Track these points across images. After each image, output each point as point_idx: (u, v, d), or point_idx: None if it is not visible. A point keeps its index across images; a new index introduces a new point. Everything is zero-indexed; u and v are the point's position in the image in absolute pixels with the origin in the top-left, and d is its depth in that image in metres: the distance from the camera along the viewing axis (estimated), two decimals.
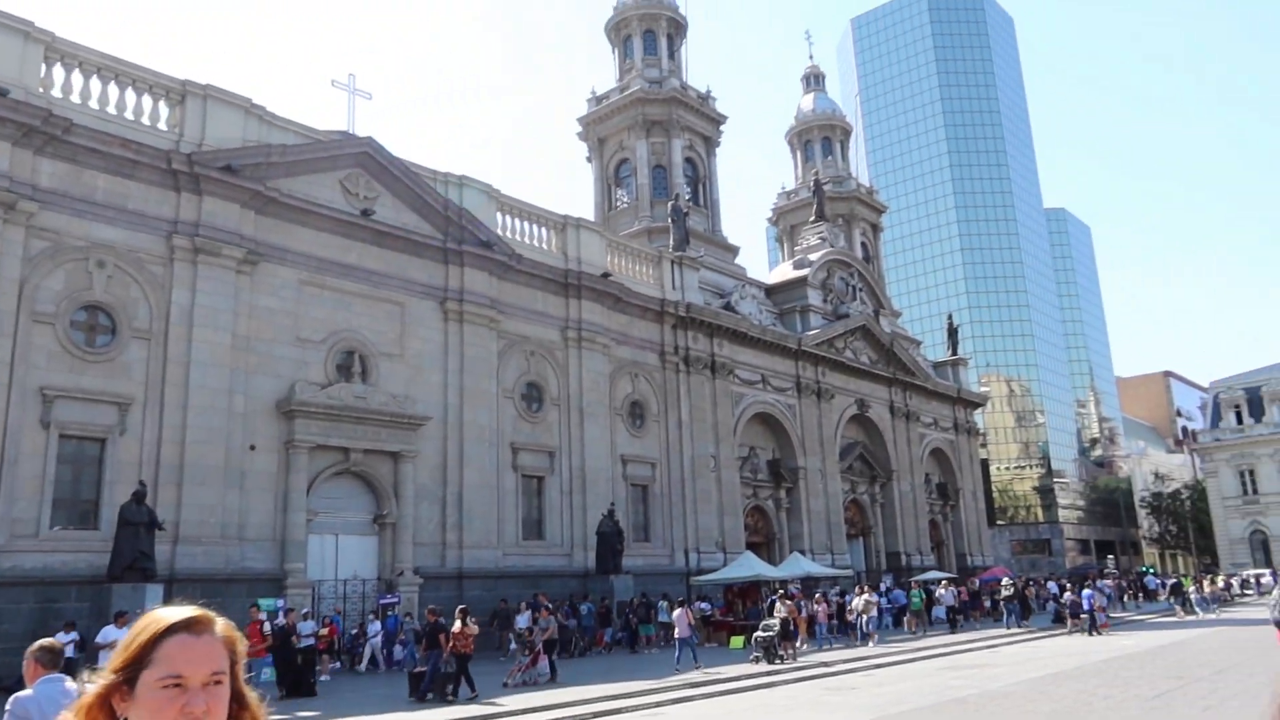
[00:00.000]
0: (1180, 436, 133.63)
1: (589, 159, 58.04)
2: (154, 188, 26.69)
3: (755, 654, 24.13)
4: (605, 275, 39.53)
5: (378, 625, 27.29)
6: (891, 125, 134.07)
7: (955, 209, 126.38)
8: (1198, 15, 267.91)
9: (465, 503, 32.30)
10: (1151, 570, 73.32)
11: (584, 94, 59.69)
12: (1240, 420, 79.47)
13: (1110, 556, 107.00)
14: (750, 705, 17.35)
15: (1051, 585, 48.19)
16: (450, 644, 19.50)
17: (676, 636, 25.20)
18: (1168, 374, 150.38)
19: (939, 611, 40.73)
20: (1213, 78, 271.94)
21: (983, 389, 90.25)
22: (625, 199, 56.16)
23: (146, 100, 27.55)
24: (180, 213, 26.99)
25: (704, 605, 35.79)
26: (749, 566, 37.41)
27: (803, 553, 44.74)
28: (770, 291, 54.93)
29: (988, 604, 46.86)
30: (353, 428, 29.45)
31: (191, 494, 25.57)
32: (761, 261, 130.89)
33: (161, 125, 27.67)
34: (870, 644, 30.14)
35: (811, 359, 51.45)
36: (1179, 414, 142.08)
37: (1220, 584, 55.08)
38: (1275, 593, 13.17)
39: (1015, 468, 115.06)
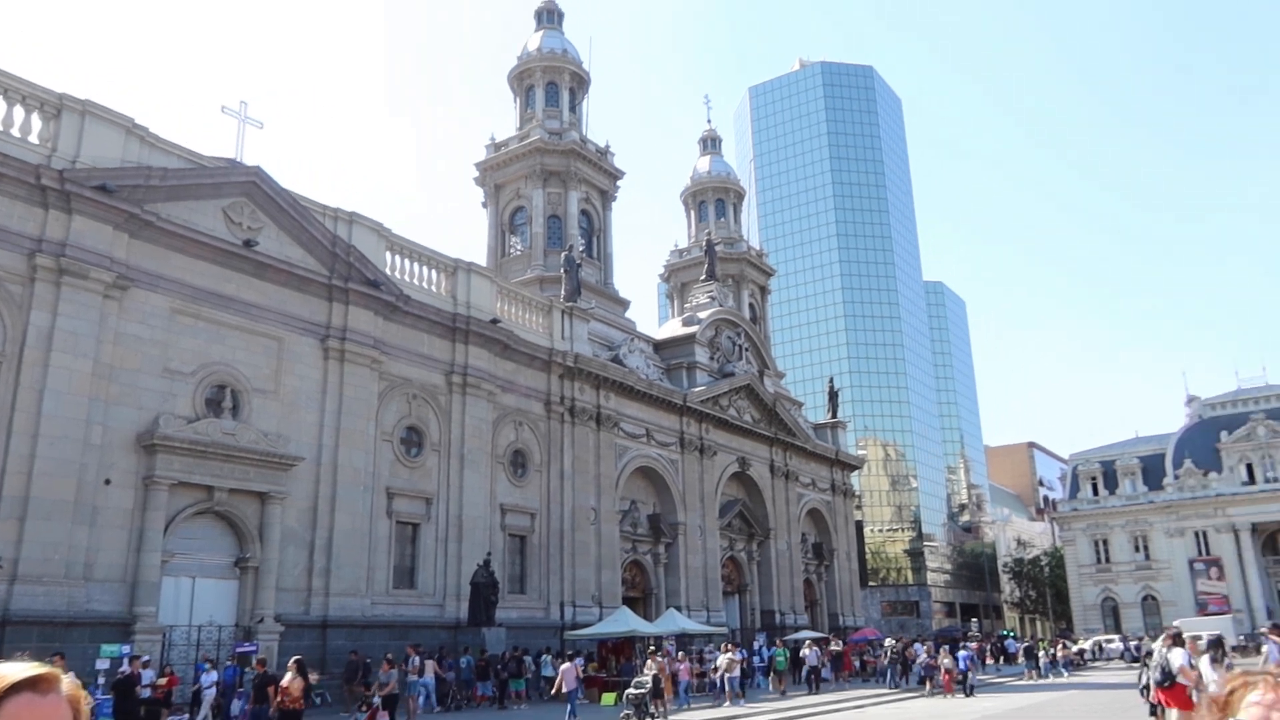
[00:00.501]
0: (1041, 505, 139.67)
1: (485, 204, 57.85)
2: (19, 202, 25.31)
3: (626, 711, 23.66)
4: (495, 321, 39.21)
5: (213, 675, 24.73)
6: (783, 192, 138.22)
7: (840, 276, 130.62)
8: (1073, 98, 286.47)
9: (335, 548, 31.17)
10: (1012, 634, 75.89)
11: (483, 139, 59.56)
12: (1096, 491, 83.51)
13: (974, 619, 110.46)
14: None
15: (917, 647, 49.28)
16: (278, 698, 18.18)
17: (565, 690, 24.79)
18: (1031, 445, 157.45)
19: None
20: (1094, 156, 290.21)
21: (860, 452, 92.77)
22: (519, 246, 56.07)
23: (19, 111, 26.23)
24: (47, 231, 25.63)
25: (577, 661, 35.25)
26: (625, 622, 37.09)
27: (679, 609, 44.65)
28: (659, 347, 55.42)
29: (856, 664, 47.64)
30: (219, 465, 28.16)
31: (35, 529, 23.90)
32: (652, 317, 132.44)
33: (33, 138, 26.34)
34: (734, 703, 30.15)
35: (696, 415, 51.95)
36: (1041, 483, 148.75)
37: (1074, 649, 57.31)
38: (1155, 656, 13.70)
39: (888, 530, 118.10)
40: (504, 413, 40.01)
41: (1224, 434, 77.97)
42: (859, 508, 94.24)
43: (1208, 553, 77.25)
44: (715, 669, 32.52)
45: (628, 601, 44.13)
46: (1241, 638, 64.58)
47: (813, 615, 62.42)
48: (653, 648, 29.46)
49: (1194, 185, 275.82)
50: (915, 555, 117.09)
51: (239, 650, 26.53)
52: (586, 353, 44.70)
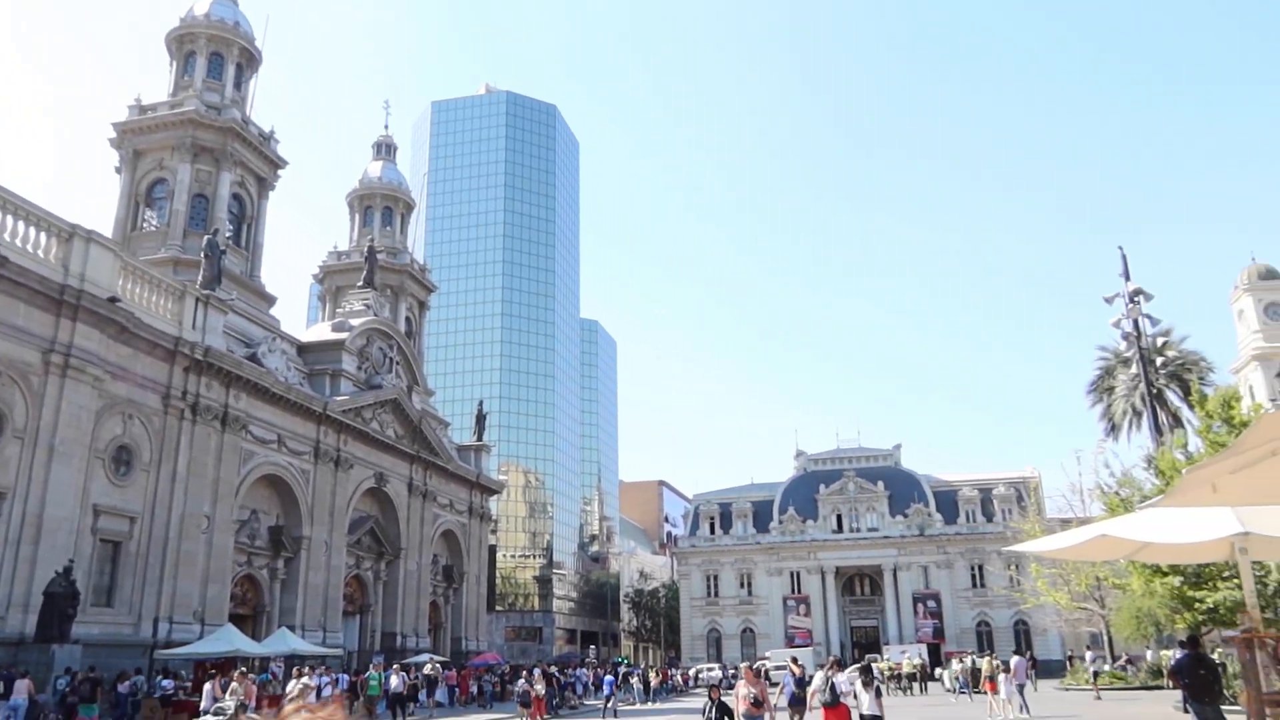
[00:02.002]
0: (665, 540, 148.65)
1: (119, 170, 51.86)
2: None
3: None
4: (113, 300, 35.01)
5: None
6: (454, 211, 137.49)
7: (501, 302, 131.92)
8: (747, 148, 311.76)
9: None
10: (625, 660, 79.58)
11: (128, 100, 53.54)
12: (713, 530, 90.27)
13: (593, 646, 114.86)
14: None
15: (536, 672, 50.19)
16: None
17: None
18: (661, 483, 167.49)
19: (422, 695, 40.26)
20: (767, 209, 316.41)
21: (501, 477, 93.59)
22: (155, 222, 50.84)
23: None
24: None
25: (167, 684, 31.99)
26: (228, 641, 34.30)
27: (293, 629, 42.11)
28: (304, 350, 52.51)
29: (474, 689, 47.58)
30: None
31: None
32: (300, 318, 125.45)
33: None
34: None
35: (336, 425, 49.68)
36: (666, 519, 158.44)
37: (678, 675, 61.14)
38: (817, 679, 16.37)
39: (520, 556, 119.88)
40: (112, 403, 35.75)
41: (822, 486, 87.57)
42: (494, 531, 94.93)
43: (799, 591, 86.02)
44: (286, 696, 29.56)
45: (237, 619, 40.91)
46: (817, 666, 72.31)
47: (435, 638, 61.54)
48: (242, 670, 27.12)
49: (860, 239, 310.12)
50: (544, 582, 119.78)
51: None
52: (220, 346, 41.23)
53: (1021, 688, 30.67)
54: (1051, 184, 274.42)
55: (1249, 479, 7.58)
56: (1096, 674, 44.76)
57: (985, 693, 34.61)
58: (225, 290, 44.42)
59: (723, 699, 14.56)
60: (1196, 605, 27.20)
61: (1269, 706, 12.73)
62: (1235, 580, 17.45)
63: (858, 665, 18.93)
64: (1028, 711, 30.05)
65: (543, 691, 34.07)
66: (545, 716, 34.33)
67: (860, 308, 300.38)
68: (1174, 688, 35.60)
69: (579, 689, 46.84)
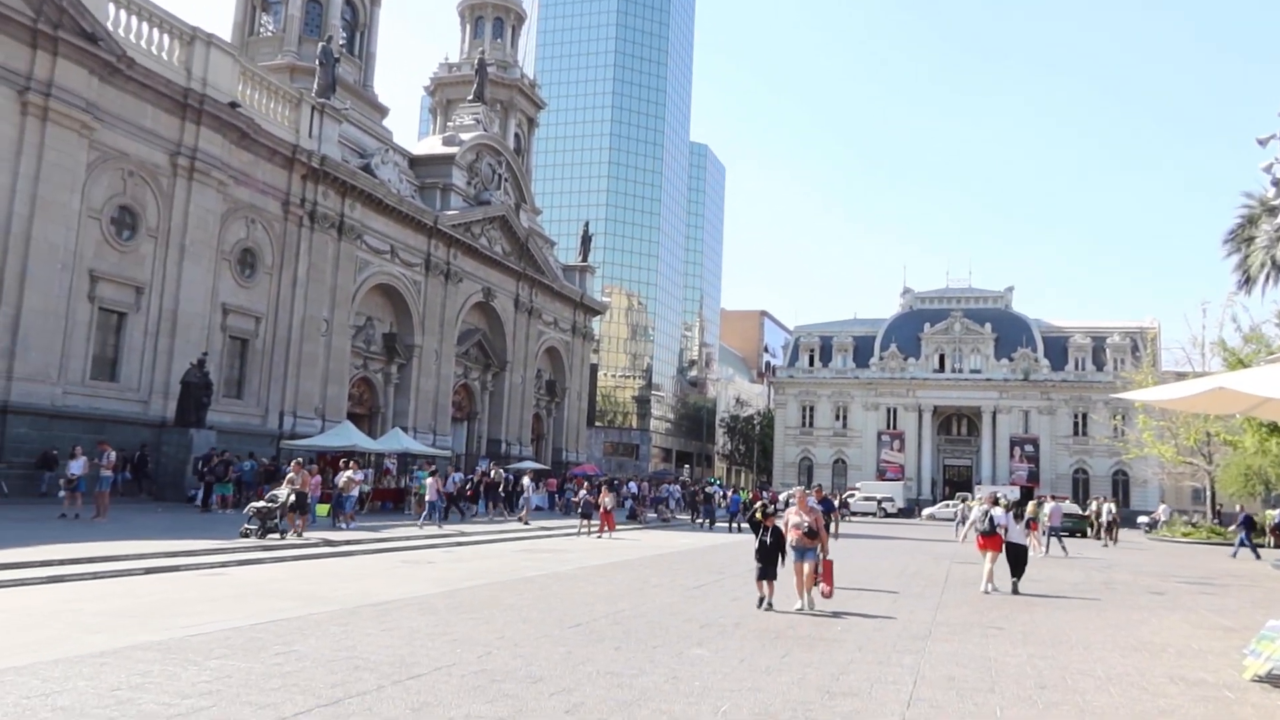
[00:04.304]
0: (763, 370, 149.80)
1: None
2: None
3: (248, 526, 20.61)
4: (233, 105, 35.72)
5: None
6: (565, 24, 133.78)
7: (610, 123, 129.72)
8: None
9: (22, 329, 28.15)
10: (718, 482, 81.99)
11: None
12: (812, 363, 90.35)
13: (687, 465, 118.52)
14: (321, 573, 16.90)
15: (632, 485, 52.01)
16: None
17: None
18: (763, 313, 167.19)
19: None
20: (888, 47, 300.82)
21: (604, 299, 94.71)
22: (271, 27, 50.96)
23: None
24: None
25: (246, 465, 34.30)
26: (346, 436, 36.40)
27: (405, 429, 44.45)
28: (414, 163, 53.00)
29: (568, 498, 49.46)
30: None
31: None
32: (411, 130, 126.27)
33: None
34: (347, 525, 25.92)
35: (446, 239, 50.63)
36: (766, 349, 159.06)
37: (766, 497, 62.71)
38: (975, 512, 18.80)
39: (621, 376, 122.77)
40: (235, 207, 37.05)
41: (928, 325, 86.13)
42: (596, 351, 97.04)
43: (895, 427, 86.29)
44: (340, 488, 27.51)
45: (354, 418, 43.34)
46: (908, 500, 73.39)
47: (538, 448, 64.30)
48: (299, 459, 25.53)
49: (971, 91, 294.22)
50: (643, 402, 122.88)
51: None
52: (335, 156, 41.94)
53: (1054, 530, 30.91)
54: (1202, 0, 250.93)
55: None
56: (1154, 524, 44.81)
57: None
58: (339, 99, 44.71)
59: (777, 526, 13.90)
60: None
61: None
62: None
63: (1015, 502, 22.50)
64: (1065, 552, 29.89)
65: (611, 505, 31.87)
66: (612, 531, 31.54)
67: (980, 138, 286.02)
68: (1276, 544, 35.08)
69: (671, 504, 48.55)
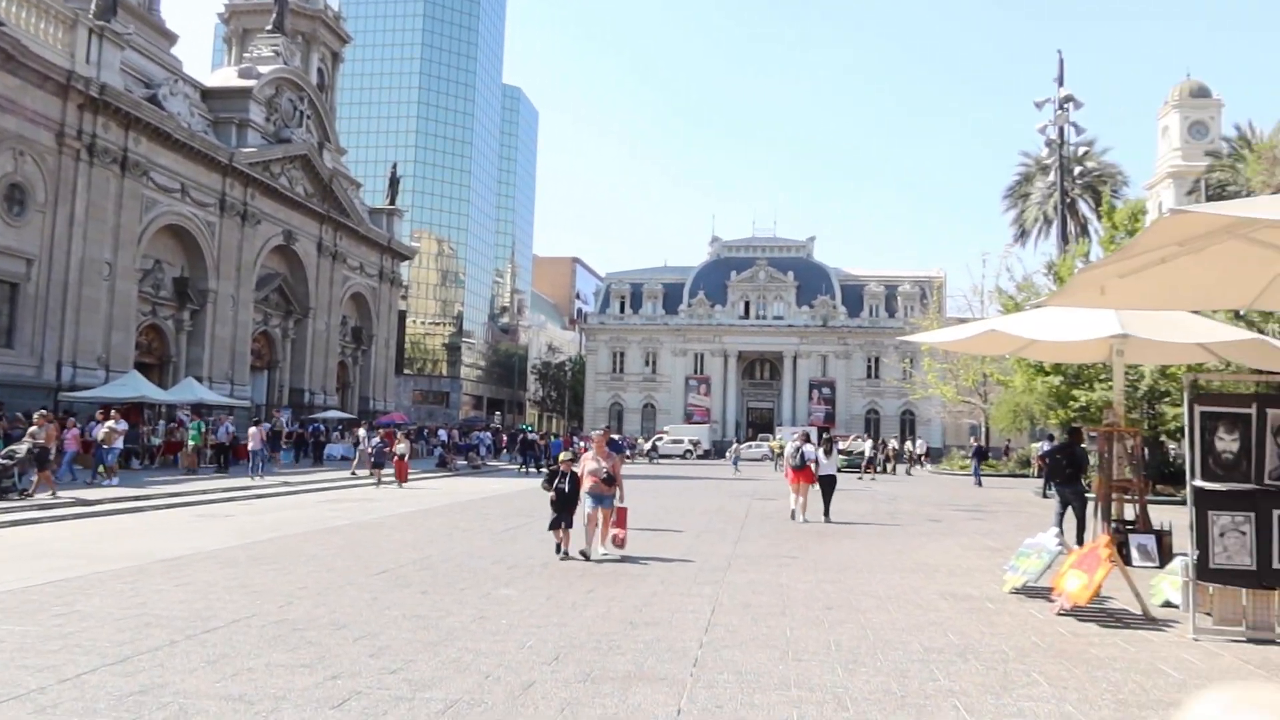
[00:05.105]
0: (575, 316, 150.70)
1: None
2: None
3: None
4: None
5: None
6: None
7: (420, 60, 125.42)
8: None
9: None
10: (529, 428, 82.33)
11: None
12: (623, 309, 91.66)
13: (498, 412, 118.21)
14: (102, 531, 16.03)
15: (441, 433, 51.64)
16: None
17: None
18: (575, 260, 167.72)
19: (332, 450, 41.21)
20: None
21: (413, 243, 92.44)
22: None
23: None
24: None
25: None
26: (134, 387, 34.33)
27: (200, 380, 42.22)
28: (208, 96, 49.64)
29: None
30: None
31: None
32: (204, 61, 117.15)
33: None
34: (107, 481, 24.18)
35: (242, 178, 47.89)
36: (578, 296, 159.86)
37: (580, 442, 63.67)
38: (789, 448, 20.57)
39: (430, 323, 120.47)
40: (1, 137, 33.67)
41: (734, 273, 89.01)
42: (405, 298, 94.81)
43: (702, 372, 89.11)
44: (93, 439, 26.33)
45: (143, 368, 40.70)
46: (713, 443, 76.20)
47: (344, 397, 62.47)
48: (42, 410, 23.20)
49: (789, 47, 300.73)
50: (453, 349, 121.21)
51: None
52: (117, 85, 38.69)
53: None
54: None
55: (1136, 284, 8.08)
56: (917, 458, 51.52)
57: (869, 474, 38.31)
58: (121, 23, 41.18)
59: (574, 472, 13.29)
60: (1071, 403, 29.26)
61: (1115, 491, 14.20)
62: (1110, 382, 18.88)
63: (827, 438, 24.13)
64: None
65: (404, 452, 30.96)
66: (404, 481, 30.65)
67: (789, 94, 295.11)
68: (1039, 474, 39.00)
69: (482, 451, 48.54)
